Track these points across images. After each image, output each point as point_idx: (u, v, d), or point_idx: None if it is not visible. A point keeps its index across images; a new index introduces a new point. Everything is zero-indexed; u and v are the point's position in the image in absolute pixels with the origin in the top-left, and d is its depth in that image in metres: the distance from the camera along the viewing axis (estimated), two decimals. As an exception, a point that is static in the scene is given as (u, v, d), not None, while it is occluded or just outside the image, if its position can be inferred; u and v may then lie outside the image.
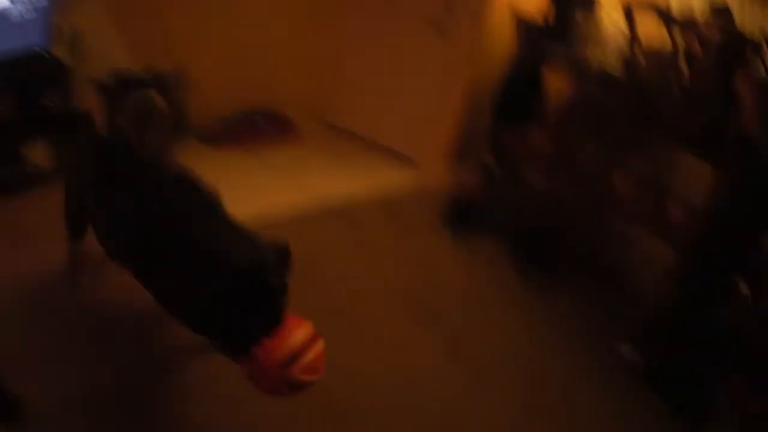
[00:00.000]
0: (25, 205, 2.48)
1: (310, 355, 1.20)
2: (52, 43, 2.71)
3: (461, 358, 1.88)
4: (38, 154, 2.70)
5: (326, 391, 1.48)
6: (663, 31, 2.20)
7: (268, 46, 3.83)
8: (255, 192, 2.84)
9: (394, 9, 3.57)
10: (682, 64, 2.16)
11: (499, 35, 3.16)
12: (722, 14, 2.09)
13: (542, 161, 3.62)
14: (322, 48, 4.06)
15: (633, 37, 2.32)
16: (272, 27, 3.80)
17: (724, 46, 1.98)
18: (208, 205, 1.52)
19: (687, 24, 2.13)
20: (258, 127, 3.67)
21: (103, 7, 2.99)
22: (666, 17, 2.22)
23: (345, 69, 4.03)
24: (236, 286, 1.24)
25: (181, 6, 3.31)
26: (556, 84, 3.07)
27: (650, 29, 2.22)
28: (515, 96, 3.09)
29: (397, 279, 2.22)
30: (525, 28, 2.90)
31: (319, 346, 1.24)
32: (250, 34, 3.71)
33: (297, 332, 1.22)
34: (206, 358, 1.63)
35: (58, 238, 2.01)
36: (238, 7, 3.56)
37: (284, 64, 3.96)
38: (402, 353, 1.86)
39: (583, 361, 2.00)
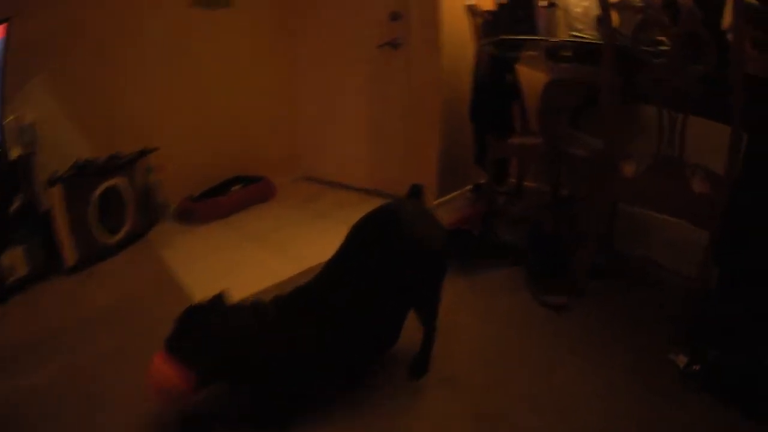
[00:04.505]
0: (8, 315, 2.31)
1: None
2: (4, 140, 2.53)
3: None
4: (13, 260, 2.54)
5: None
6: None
7: (234, 112, 3.72)
8: (235, 268, 2.60)
9: (349, 41, 3.35)
10: (661, 15, 1.78)
11: (459, 40, 2.87)
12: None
13: (538, 164, 3.22)
14: (288, 104, 3.92)
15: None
16: (235, 95, 3.70)
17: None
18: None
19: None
20: (234, 195, 3.51)
21: (52, 97, 2.88)
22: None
23: (311, 117, 3.85)
24: None
25: (144, 87, 3.23)
26: (532, 75, 2.73)
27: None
28: (492, 102, 2.75)
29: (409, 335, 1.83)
30: (481, 19, 2.59)
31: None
32: (214, 106, 3.60)
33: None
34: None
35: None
36: (199, 80, 3.48)
37: (252, 126, 3.83)
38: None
39: (634, 378, 1.66)
